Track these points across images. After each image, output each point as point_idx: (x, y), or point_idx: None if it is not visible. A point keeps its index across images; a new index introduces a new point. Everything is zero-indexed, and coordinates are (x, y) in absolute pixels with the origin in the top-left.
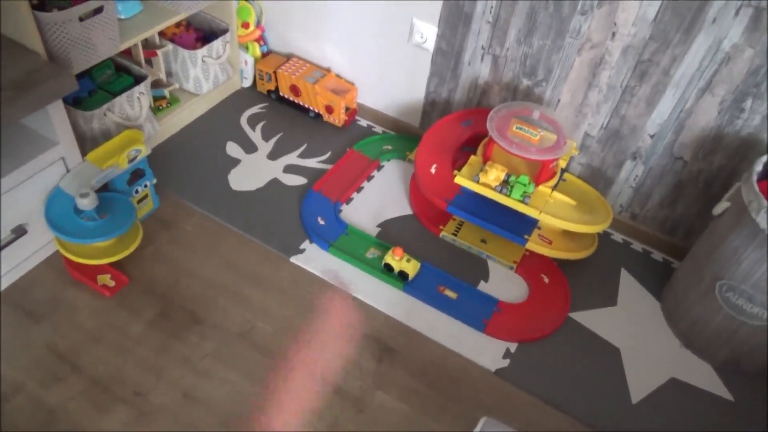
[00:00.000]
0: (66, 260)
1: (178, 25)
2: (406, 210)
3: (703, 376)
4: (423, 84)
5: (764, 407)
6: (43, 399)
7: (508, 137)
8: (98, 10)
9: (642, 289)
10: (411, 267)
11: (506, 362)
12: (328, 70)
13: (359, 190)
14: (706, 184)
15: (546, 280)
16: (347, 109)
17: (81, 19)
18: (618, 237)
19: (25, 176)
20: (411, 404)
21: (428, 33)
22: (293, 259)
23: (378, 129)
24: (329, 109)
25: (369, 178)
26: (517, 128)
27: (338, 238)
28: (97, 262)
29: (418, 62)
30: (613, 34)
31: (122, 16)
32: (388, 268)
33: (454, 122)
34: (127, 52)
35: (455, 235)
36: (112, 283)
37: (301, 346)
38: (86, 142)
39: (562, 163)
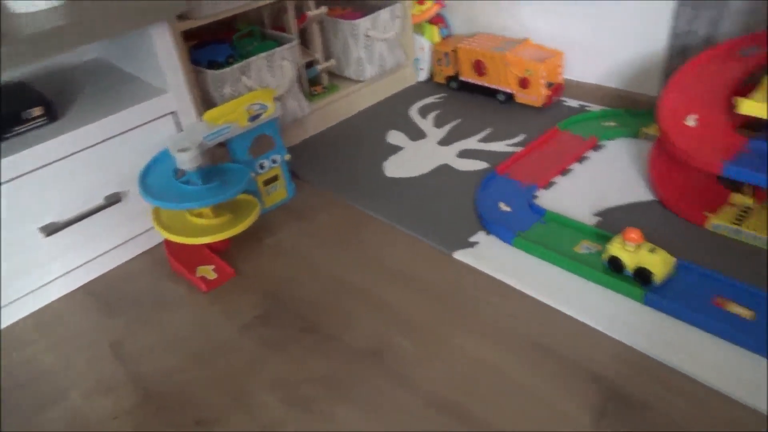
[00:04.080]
0: (168, 248)
1: (344, 7)
2: (643, 195)
3: None
4: (665, 25)
5: None
6: (85, 412)
7: None
8: None
9: None
10: (659, 261)
11: None
12: (525, 40)
13: (565, 172)
14: None
15: None
16: (549, 84)
17: None
18: None
19: (128, 126)
20: None
21: None
22: (458, 255)
23: (595, 108)
24: (524, 83)
25: (581, 159)
26: None
27: (530, 227)
28: (196, 241)
29: None
30: None
31: None
32: (616, 265)
33: (723, 55)
34: (282, 29)
35: (738, 224)
36: (213, 276)
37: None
38: None
39: None
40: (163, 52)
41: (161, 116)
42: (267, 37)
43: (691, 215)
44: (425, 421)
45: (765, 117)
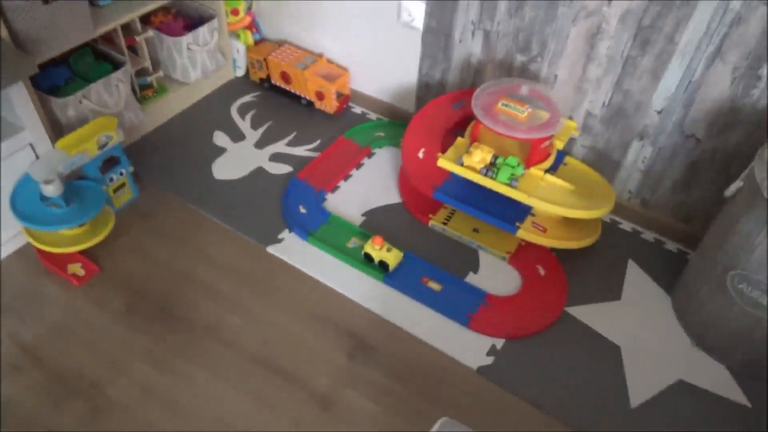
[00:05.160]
0: (38, 249)
1: (166, 14)
2: (394, 198)
3: (715, 378)
4: (415, 66)
5: None
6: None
7: (494, 116)
8: None
9: (651, 282)
10: (392, 257)
11: (490, 360)
12: (320, 56)
13: (347, 178)
14: (722, 164)
15: (542, 271)
16: (339, 95)
17: (46, 2)
18: (627, 226)
19: None
20: (382, 404)
21: (416, 10)
22: (270, 249)
23: (372, 116)
24: (320, 96)
25: (358, 166)
26: (503, 105)
27: (319, 227)
28: (66, 251)
29: (409, 43)
30: None
31: (102, 2)
32: (368, 258)
33: (444, 104)
34: (111, 42)
35: (445, 224)
36: (81, 272)
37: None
38: (64, 132)
39: (559, 144)
40: (17, 99)
41: (21, 149)
42: (99, 55)
43: (420, 216)
44: (252, 373)
45: (452, 171)
